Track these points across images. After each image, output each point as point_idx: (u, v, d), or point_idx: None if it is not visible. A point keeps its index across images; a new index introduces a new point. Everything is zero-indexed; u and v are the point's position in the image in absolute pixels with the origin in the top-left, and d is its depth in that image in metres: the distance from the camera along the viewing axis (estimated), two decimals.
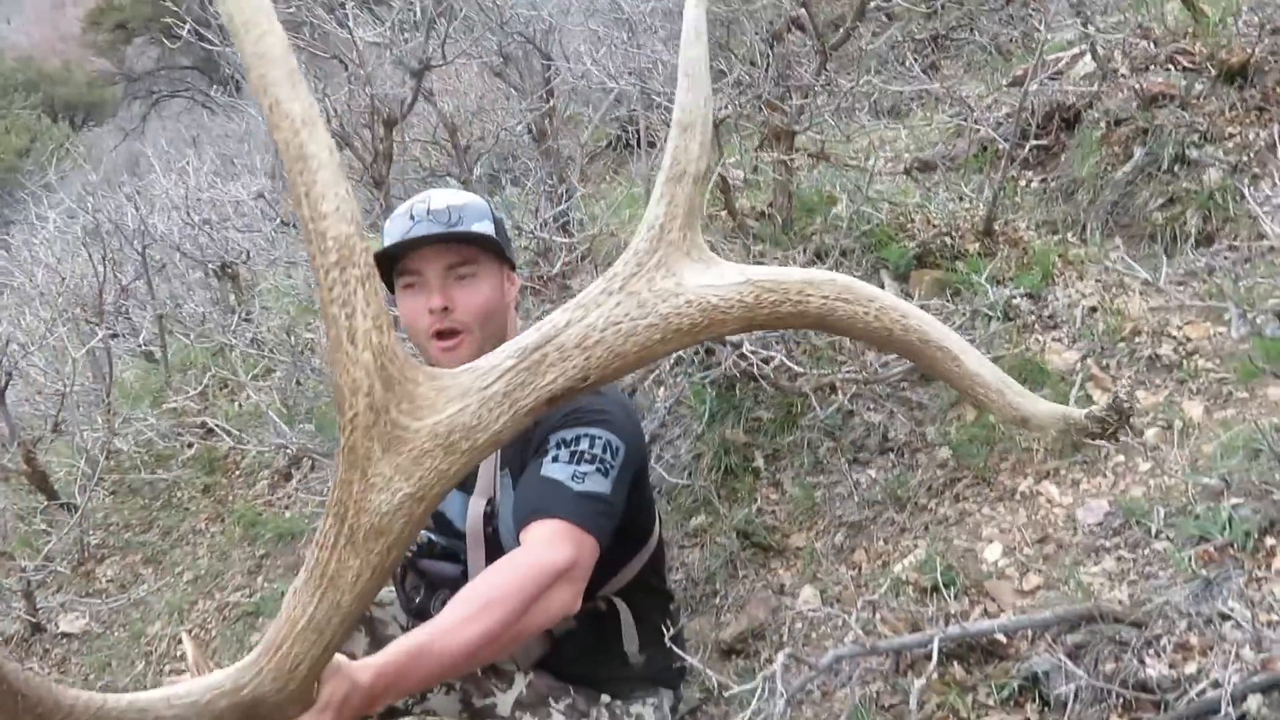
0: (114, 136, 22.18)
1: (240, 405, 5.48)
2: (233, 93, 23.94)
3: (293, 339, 5.54)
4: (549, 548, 1.64)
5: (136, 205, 5.66)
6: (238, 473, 5.21)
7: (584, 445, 1.79)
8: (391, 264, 1.91)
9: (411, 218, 1.91)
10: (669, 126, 3.63)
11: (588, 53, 4.79)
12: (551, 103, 4.53)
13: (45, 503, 5.01)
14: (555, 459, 1.77)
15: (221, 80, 24.78)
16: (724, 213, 3.54)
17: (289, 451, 4.99)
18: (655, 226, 0.92)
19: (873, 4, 3.49)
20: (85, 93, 22.74)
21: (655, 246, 0.92)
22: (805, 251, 3.64)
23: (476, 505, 1.96)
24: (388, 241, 1.92)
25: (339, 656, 1.18)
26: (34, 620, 4.37)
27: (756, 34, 3.62)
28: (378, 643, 2.22)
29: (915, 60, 4.81)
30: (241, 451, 5.28)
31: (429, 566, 2.10)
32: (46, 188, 12.14)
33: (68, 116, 20.11)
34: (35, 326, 5.06)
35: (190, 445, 5.34)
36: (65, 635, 4.46)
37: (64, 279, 5.45)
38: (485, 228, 1.94)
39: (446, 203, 1.93)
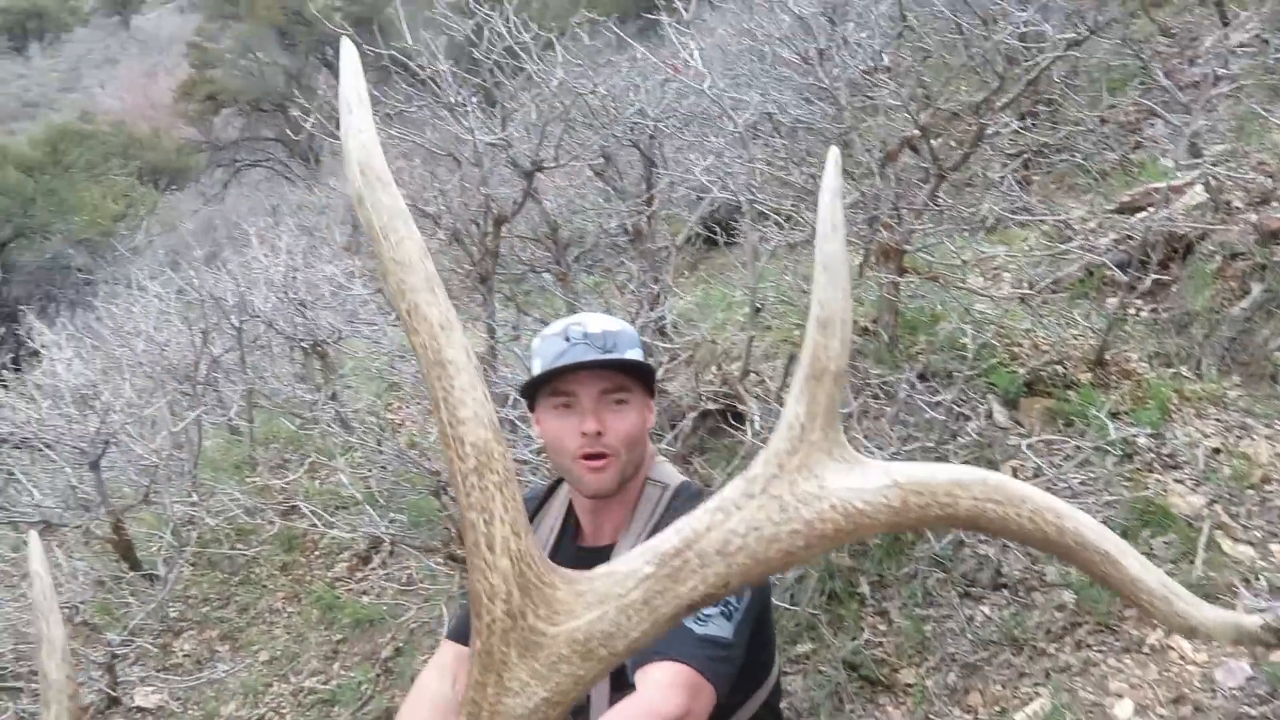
0: (195, 201, 22.96)
1: (321, 483, 5.53)
2: (312, 165, 24.73)
3: (377, 421, 5.61)
4: (665, 694, 1.62)
5: (237, 281, 5.80)
6: (316, 552, 5.23)
7: None
8: (540, 383, 1.93)
9: (567, 339, 1.93)
10: (757, 227, 3.62)
11: (683, 157, 4.89)
12: (654, 205, 4.59)
13: (129, 572, 5.06)
14: None
15: (301, 154, 25.72)
16: None
17: (365, 535, 5.02)
18: (795, 426, 0.89)
19: (991, 130, 3.51)
20: (173, 158, 23.58)
21: (796, 447, 0.89)
22: (910, 370, 3.61)
23: None
24: (538, 360, 1.93)
25: None
26: (113, 694, 4.38)
27: (868, 152, 3.65)
28: None
29: (1010, 176, 4.82)
30: (321, 531, 5.32)
31: None
32: (135, 250, 12.60)
33: (154, 180, 20.83)
34: (134, 398, 5.16)
35: (272, 522, 5.37)
36: (141, 710, 4.45)
37: (163, 350, 5.58)
38: (637, 355, 1.96)
39: (602, 328, 1.94)
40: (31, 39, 45.27)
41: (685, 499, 1.94)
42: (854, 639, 2.98)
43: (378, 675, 4.19)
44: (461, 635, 2.21)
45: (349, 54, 0.93)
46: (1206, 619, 0.89)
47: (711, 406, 3.89)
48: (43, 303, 10.25)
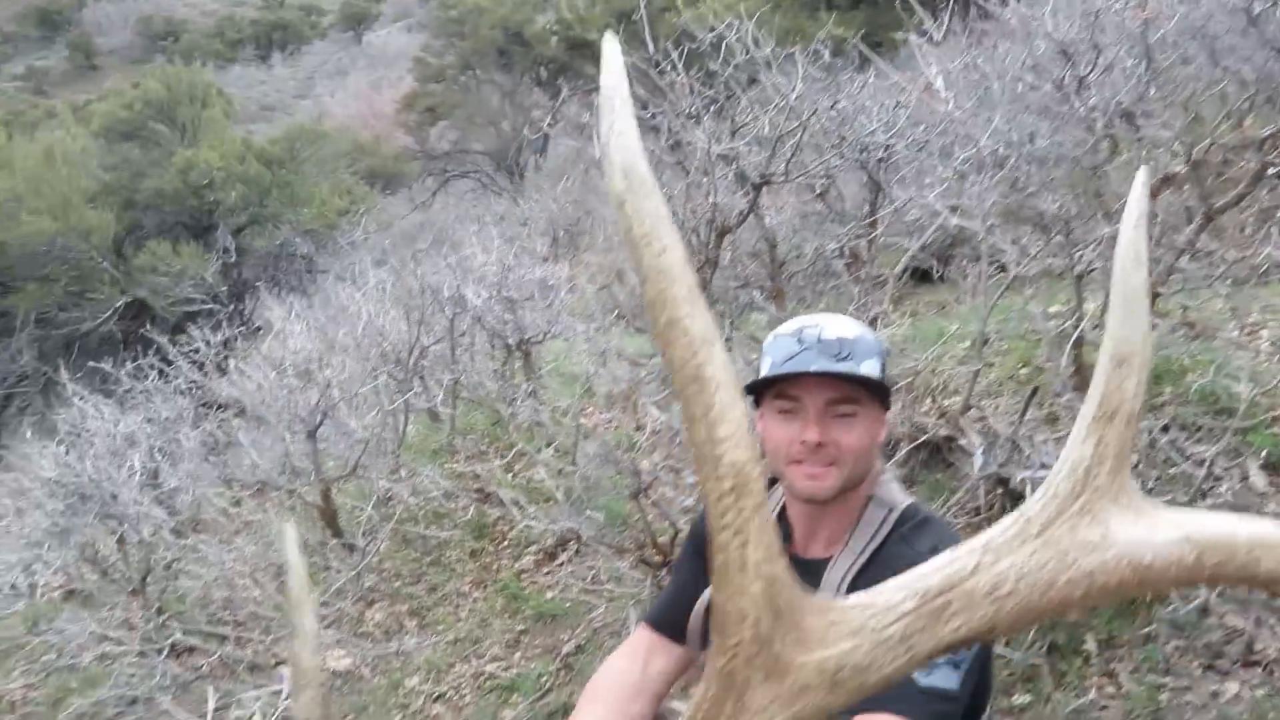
0: (405, 206, 24.29)
1: (515, 476, 5.66)
2: (516, 180, 25.67)
3: (574, 422, 5.71)
4: None
5: (454, 273, 6.03)
6: (505, 543, 5.34)
7: None
8: (766, 383, 1.86)
9: (800, 342, 1.83)
10: (994, 256, 3.43)
11: (913, 182, 4.75)
12: (877, 230, 4.49)
13: (331, 540, 5.31)
14: None
15: (507, 168, 26.78)
16: (1072, 367, 3.33)
17: (555, 531, 5.09)
18: (1080, 469, 0.82)
19: (1272, 171, 3.24)
20: (389, 165, 25.02)
21: (1079, 490, 0.82)
22: (1154, 420, 3.37)
23: None
24: (768, 359, 1.86)
25: None
26: None
27: (1127, 185, 3.44)
28: None
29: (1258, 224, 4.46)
30: (510, 522, 5.44)
31: None
32: (354, 244, 13.40)
33: (371, 184, 22.14)
34: (351, 375, 5.43)
35: (466, 508, 5.53)
36: (331, 671, 4.64)
37: (380, 334, 5.85)
38: (873, 368, 1.84)
39: (838, 334, 1.83)
40: (275, 49, 49.21)
41: (913, 525, 1.83)
42: (1078, 697, 2.77)
43: (557, 670, 4.22)
44: (659, 622, 2.16)
45: (611, 51, 0.88)
46: None
47: (925, 438, 3.74)
48: (269, 285, 11.01)
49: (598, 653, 4.14)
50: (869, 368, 1.82)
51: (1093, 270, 3.31)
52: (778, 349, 1.85)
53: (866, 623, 0.84)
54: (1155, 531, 0.81)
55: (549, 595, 4.77)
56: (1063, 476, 0.83)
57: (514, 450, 5.76)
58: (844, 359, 1.79)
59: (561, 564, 5.00)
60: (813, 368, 1.77)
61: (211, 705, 3.08)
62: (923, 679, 1.57)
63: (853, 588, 1.79)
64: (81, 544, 5.57)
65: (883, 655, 0.82)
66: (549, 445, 5.46)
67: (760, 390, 1.86)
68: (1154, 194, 3.52)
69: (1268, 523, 0.82)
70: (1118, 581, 0.80)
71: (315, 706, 0.89)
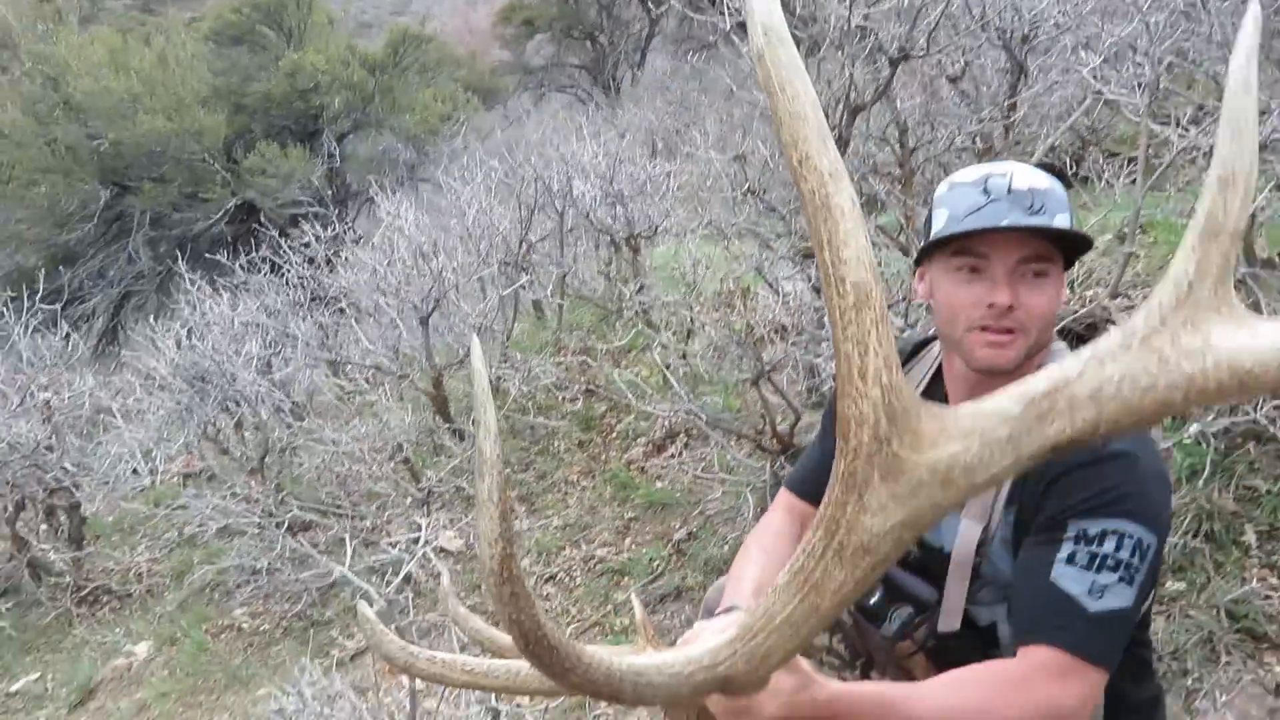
0: (501, 121, 24.25)
1: (623, 370, 5.61)
2: (612, 95, 25.38)
3: (679, 318, 5.62)
4: (1059, 685, 1.42)
5: (566, 169, 5.94)
6: (613, 435, 5.32)
7: (1108, 546, 1.49)
8: (944, 239, 1.71)
9: (986, 193, 1.64)
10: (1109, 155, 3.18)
11: (1060, 62, 4.45)
12: (1013, 116, 4.23)
13: (441, 426, 5.36)
14: (1071, 558, 1.49)
15: (604, 82, 26.46)
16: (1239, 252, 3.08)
17: (667, 424, 5.05)
18: (1183, 283, 0.83)
19: None
20: (485, 79, 24.86)
21: (1181, 302, 0.84)
22: None
23: (970, 530, 1.70)
24: (943, 211, 1.67)
25: (800, 657, 1.31)
26: (424, 525, 4.65)
27: None
28: None
29: None
30: (618, 415, 5.41)
31: (898, 576, 1.86)
32: (454, 153, 13.40)
33: (469, 98, 22.11)
34: (464, 263, 5.41)
35: (574, 399, 5.53)
36: (444, 550, 4.71)
37: (490, 224, 5.82)
38: (1065, 221, 1.67)
39: (1029, 184, 1.64)
40: None
41: None
42: (1239, 586, 2.61)
43: (669, 555, 4.20)
44: (804, 489, 2.07)
45: None
46: None
47: (1066, 323, 3.54)
48: (377, 186, 11.11)
49: (711, 539, 4.10)
50: (1062, 221, 1.64)
51: (1272, 140, 3.04)
52: (958, 200, 1.65)
53: (976, 425, 0.89)
54: (1256, 339, 0.82)
55: (659, 484, 4.74)
56: (1166, 291, 0.85)
57: (623, 343, 5.70)
58: (1037, 212, 1.60)
59: (671, 456, 4.95)
60: (1005, 222, 1.59)
61: (349, 551, 3.12)
62: (1093, 604, 1.46)
63: (1012, 493, 1.67)
64: (203, 424, 5.73)
65: (991, 455, 0.89)
66: (659, 340, 5.38)
67: (931, 248, 1.69)
68: None
69: None
70: (1216, 385, 0.82)
71: (495, 490, 0.95)
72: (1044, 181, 1.65)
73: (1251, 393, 0.83)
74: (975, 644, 1.71)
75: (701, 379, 4.89)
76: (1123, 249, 3.47)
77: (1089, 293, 3.89)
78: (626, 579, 4.19)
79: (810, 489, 2.05)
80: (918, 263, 1.79)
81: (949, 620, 1.70)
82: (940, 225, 1.66)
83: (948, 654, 1.71)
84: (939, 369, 1.87)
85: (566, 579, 4.38)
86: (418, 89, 13.75)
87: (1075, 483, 1.54)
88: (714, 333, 5.21)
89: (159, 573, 5.84)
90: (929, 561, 1.78)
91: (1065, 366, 0.87)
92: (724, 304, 6.04)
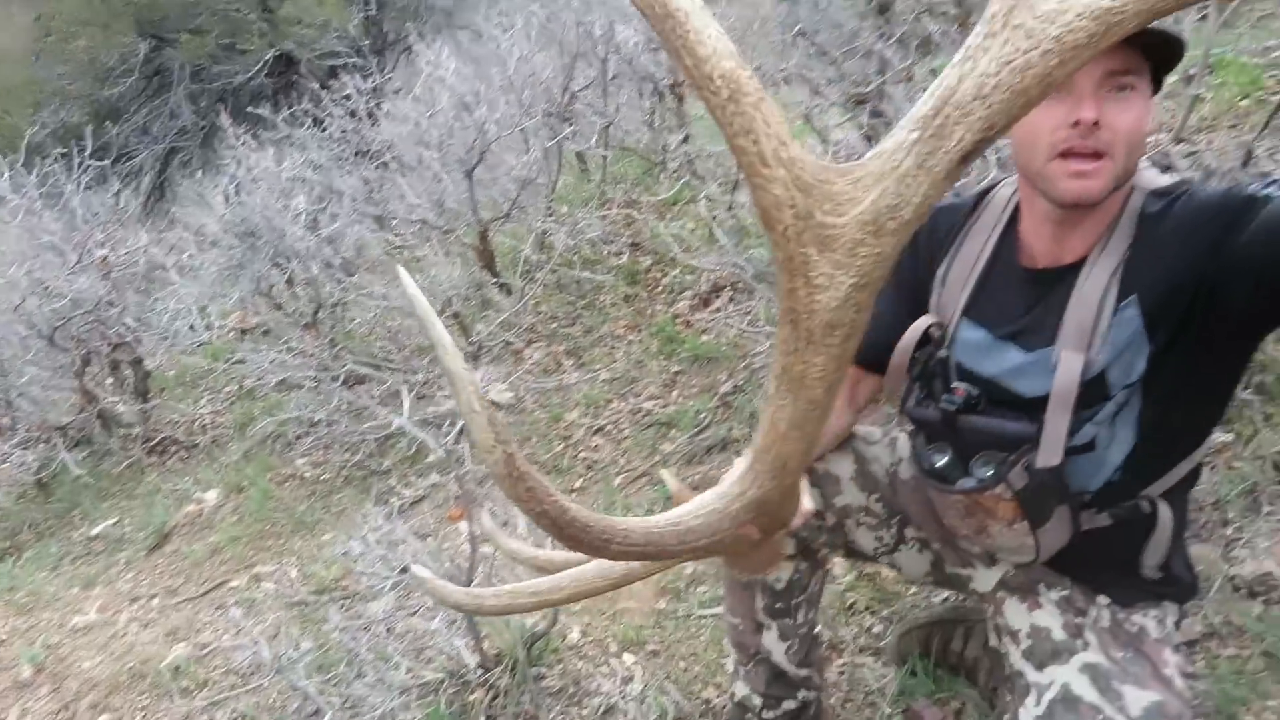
0: None
1: (668, 224, 5.57)
2: None
3: (725, 168, 5.52)
4: None
5: (608, 12, 5.75)
6: (659, 289, 5.32)
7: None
8: None
9: None
10: None
11: None
12: None
13: (488, 279, 5.39)
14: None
15: None
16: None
17: (713, 277, 5.03)
18: None
19: None
20: None
21: None
22: None
23: (1071, 362, 1.67)
24: None
25: None
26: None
27: None
28: (863, 474, 2.09)
29: None
30: (664, 269, 5.40)
31: (973, 424, 1.84)
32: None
33: None
34: (504, 117, 5.32)
35: (620, 253, 5.51)
36: (496, 404, 4.82)
37: (533, 73, 5.69)
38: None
39: None
40: None
41: (1176, 196, 1.63)
42: None
43: (716, 407, 4.25)
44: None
45: None
46: None
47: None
48: (415, 30, 10.85)
49: (757, 392, 4.14)
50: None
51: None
52: None
53: (884, 168, 0.90)
54: None
55: (704, 338, 4.76)
56: None
57: (669, 195, 5.64)
58: None
59: (717, 309, 4.95)
60: None
61: (406, 399, 3.21)
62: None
63: (1124, 289, 1.63)
64: (256, 280, 5.82)
65: (907, 189, 0.90)
66: (704, 193, 5.30)
67: None
68: None
69: None
70: (1086, 35, 0.84)
71: (475, 400, 1.00)
72: None
73: (1123, 30, 0.86)
74: (1065, 480, 1.71)
75: (748, 231, 4.84)
76: (1188, 91, 3.32)
77: (1152, 138, 3.74)
78: (674, 430, 4.27)
79: (866, 353, 2.05)
80: None
81: (1048, 456, 1.68)
82: None
83: (1043, 490, 1.71)
84: (1013, 216, 1.82)
85: (615, 430, 4.47)
86: None
87: (1191, 215, 1.57)
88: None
89: (222, 424, 6.05)
90: (1015, 404, 1.76)
91: (945, 78, 0.90)
92: None
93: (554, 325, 5.31)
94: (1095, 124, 1.52)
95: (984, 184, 1.93)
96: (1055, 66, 0.85)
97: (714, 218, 4.96)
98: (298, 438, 5.33)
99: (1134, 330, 1.61)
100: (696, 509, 1.25)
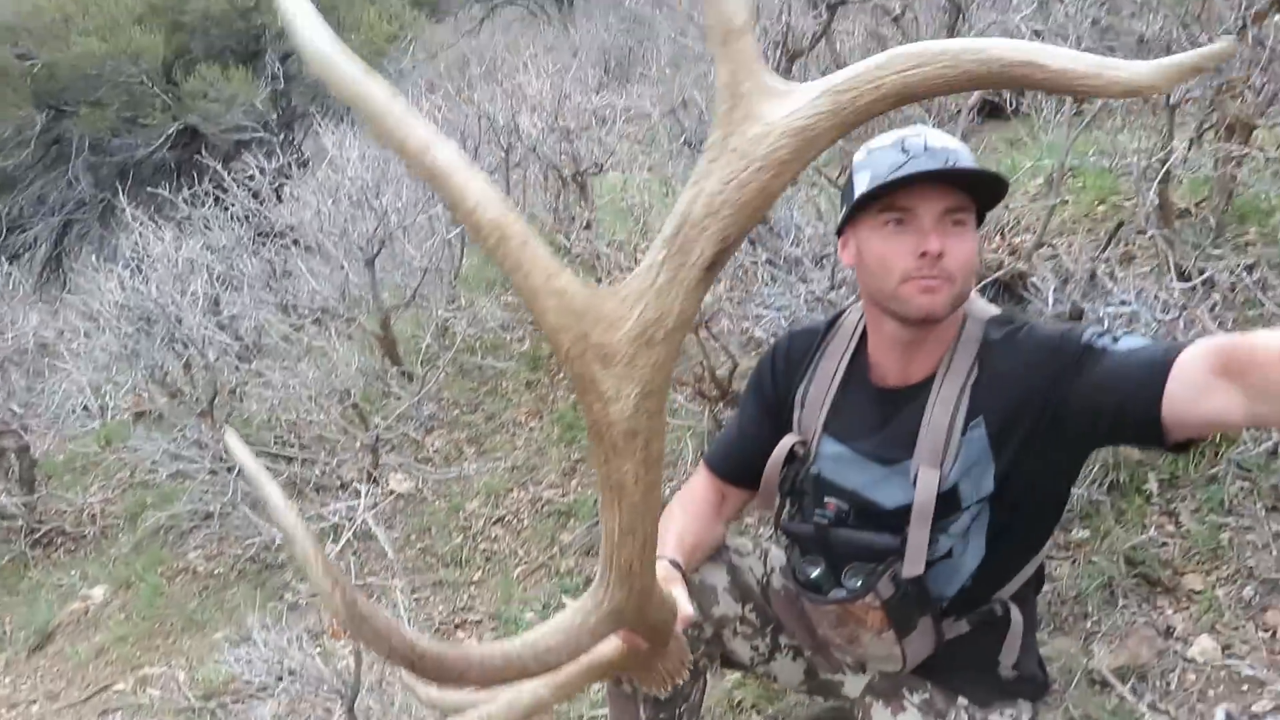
0: (451, 35, 23.58)
1: None
2: (565, 9, 24.81)
3: (625, 256, 5.65)
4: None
5: (510, 102, 5.88)
6: (560, 374, 5.39)
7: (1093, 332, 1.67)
8: (869, 200, 1.78)
9: (905, 151, 1.72)
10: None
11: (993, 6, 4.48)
12: None
13: (390, 368, 5.40)
14: (1102, 335, 1.65)
15: None
16: (1155, 201, 3.18)
17: None
18: (725, 89, 0.99)
19: None
20: None
21: (734, 103, 0.98)
22: (1237, 259, 3.24)
23: (928, 478, 1.79)
24: (865, 174, 1.75)
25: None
26: (373, 473, 4.73)
27: (1232, 6, 3.19)
28: (737, 585, 2.18)
29: None
30: None
31: (843, 537, 1.95)
32: (401, 73, 13.09)
33: (416, 9, 21.47)
34: (407, 205, 5.38)
35: (522, 339, 5.57)
36: (394, 493, 4.80)
37: None
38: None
39: (943, 143, 1.73)
40: None
41: (1014, 328, 1.78)
42: (1137, 534, 2.77)
43: None
44: (723, 469, 2.17)
45: None
46: (1141, 74, 0.91)
47: (997, 275, 3.64)
48: (319, 113, 10.85)
49: None
50: (980, 169, 1.75)
51: (1189, 97, 3.11)
52: (878, 162, 1.74)
53: (642, 285, 1.00)
54: (801, 100, 0.96)
55: None
56: (721, 101, 0.99)
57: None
58: (949, 165, 1.71)
59: None
60: (932, 168, 1.68)
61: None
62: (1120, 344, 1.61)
63: (972, 410, 1.76)
64: (150, 366, 5.71)
65: (665, 302, 0.99)
66: (606, 277, 5.42)
67: (857, 209, 1.77)
68: (1261, 17, 3.27)
69: (887, 52, 0.97)
70: (790, 151, 0.95)
71: (323, 578, 1.03)
72: (955, 143, 1.78)
73: (822, 144, 0.98)
74: (927, 589, 1.84)
75: None
76: (1049, 198, 3.55)
77: (1019, 239, 3.98)
78: (573, 520, 4.31)
79: (728, 468, 2.16)
80: (840, 231, 1.88)
81: (913, 566, 1.80)
82: (864, 188, 1.74)
83: (908, 600, 1.83)
84: (863, 338, 1.95)
85: (514, 520, 4.49)
86: (362, 7, 13.34)
87: (1032, 349, 1.73)
88: None
89: (113, 514, 5.88)
90: (880, 518, 1.87)
91: (680, 204, 1.00)
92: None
93: (456, 412, 5.33)
94: (940, 255, 1.68)
95: (826, 318, 2.08)
96: (770, 179, 0.97)
97: None
98: (191, 529, 5.21)
99: (981, 449, 1.76)
100: (554, 628, 1.28)
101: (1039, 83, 0.96)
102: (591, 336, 0.98)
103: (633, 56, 13.25)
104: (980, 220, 1.79)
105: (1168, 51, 2.99)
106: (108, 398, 6.78)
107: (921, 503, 1.80)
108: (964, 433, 1.76)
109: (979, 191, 1.73)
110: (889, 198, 1.72)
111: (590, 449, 1.10)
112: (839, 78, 0.97)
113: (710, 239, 0.97)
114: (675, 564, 1.91)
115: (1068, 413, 1.64)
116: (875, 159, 1.77)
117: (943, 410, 1.78)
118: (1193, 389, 1.43)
